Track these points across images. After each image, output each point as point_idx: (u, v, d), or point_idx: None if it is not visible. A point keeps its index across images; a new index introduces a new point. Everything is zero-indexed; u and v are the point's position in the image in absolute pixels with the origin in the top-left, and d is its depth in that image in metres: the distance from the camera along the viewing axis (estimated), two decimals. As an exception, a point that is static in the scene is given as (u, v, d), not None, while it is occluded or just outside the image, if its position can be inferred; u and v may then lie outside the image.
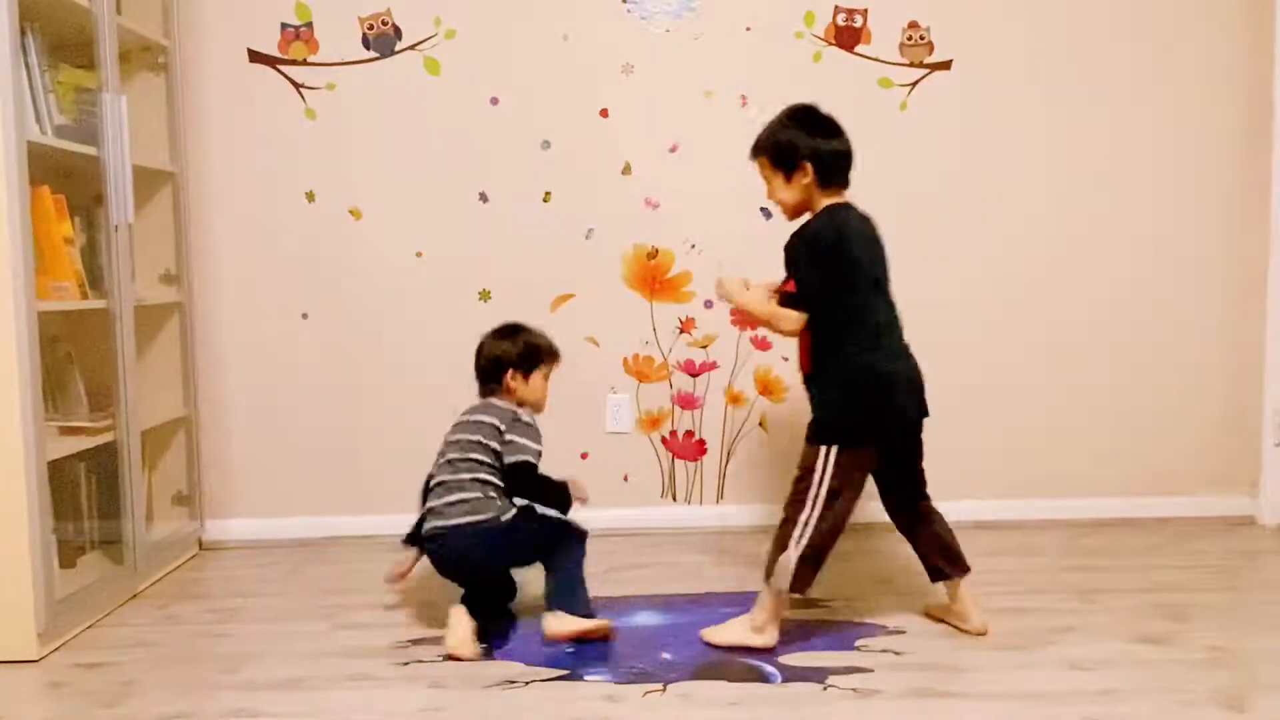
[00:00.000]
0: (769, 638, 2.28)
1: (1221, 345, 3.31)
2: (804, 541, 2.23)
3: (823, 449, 2.25)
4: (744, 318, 2.32)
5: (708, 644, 2.30)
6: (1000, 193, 3.25)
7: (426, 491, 2.51)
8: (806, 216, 2.33)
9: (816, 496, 2.24)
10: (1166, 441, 3.31)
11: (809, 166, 2.27)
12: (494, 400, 2.54)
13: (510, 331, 2.60)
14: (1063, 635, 2.33)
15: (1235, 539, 3.10)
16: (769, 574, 2.27)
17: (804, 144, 2.27)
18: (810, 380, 2.34)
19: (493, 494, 2.41)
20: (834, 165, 2.29)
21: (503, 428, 2.45)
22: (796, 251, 2.28)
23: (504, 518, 2.38)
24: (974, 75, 3.21)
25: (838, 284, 2.25)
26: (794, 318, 2.27)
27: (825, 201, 2.30)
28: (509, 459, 2.42)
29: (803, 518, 2.24)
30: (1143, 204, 3.27)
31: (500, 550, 2.40)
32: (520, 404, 2.54)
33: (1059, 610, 2.49)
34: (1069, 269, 3.27)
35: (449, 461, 2.46)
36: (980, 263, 3.25)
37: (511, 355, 2.55)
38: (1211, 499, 3.32)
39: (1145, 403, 3.30)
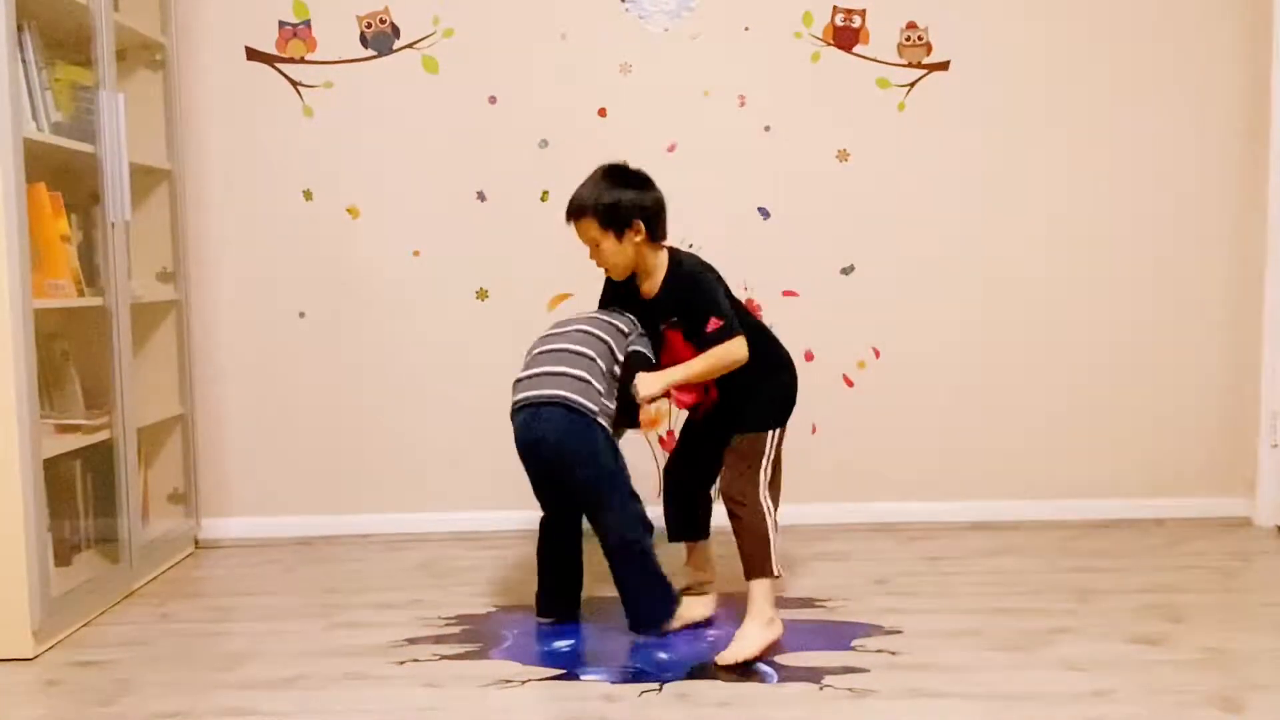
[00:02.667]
0: (778, 625, 2.30)
1: (1218, 347, 3.31)
2: (771, 522, 2.30)
3: (769, 434, 2.35)
4: (690, 393, 2.40)
5: (732, 665, 2.18)
6: (997, 193, 3.25)
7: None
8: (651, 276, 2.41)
9: (767, 479, 2.33)
10: (1163, 443, 3.31)
11: (640, 224, 2.31)
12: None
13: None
14: (1059, 636, 2.34)
15: (1231, 540, 3.11)
16: (753, 570, 2.29)
17: (632, 201, 2.31)
18: (743, 380, 2.35)
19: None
20: (660, 218, 2.36)
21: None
22: (697, 290, 2.34)
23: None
24: (972, 76, 3.21)
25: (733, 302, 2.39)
26: (739, 342, 2.31)
27: (658, 253, 2.38)
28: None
29: (764, 503, 2.31)
30: (1140, 206, 3.27)
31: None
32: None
33: (1055, 611, 2.50)
34: (1066, 270, 3.27)
35: None
36: (976, 263, 3.25)
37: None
38: (1208, 500, 3.32)
39: (1142, 404, 3.30)
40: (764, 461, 2.34)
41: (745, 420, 2.37)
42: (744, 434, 2.35)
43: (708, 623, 2.44)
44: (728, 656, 2.21)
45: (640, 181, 2.36)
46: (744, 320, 2.39)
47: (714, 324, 2.30)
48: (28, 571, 2.25)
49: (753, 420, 2.36)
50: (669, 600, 2.41)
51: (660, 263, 2.39)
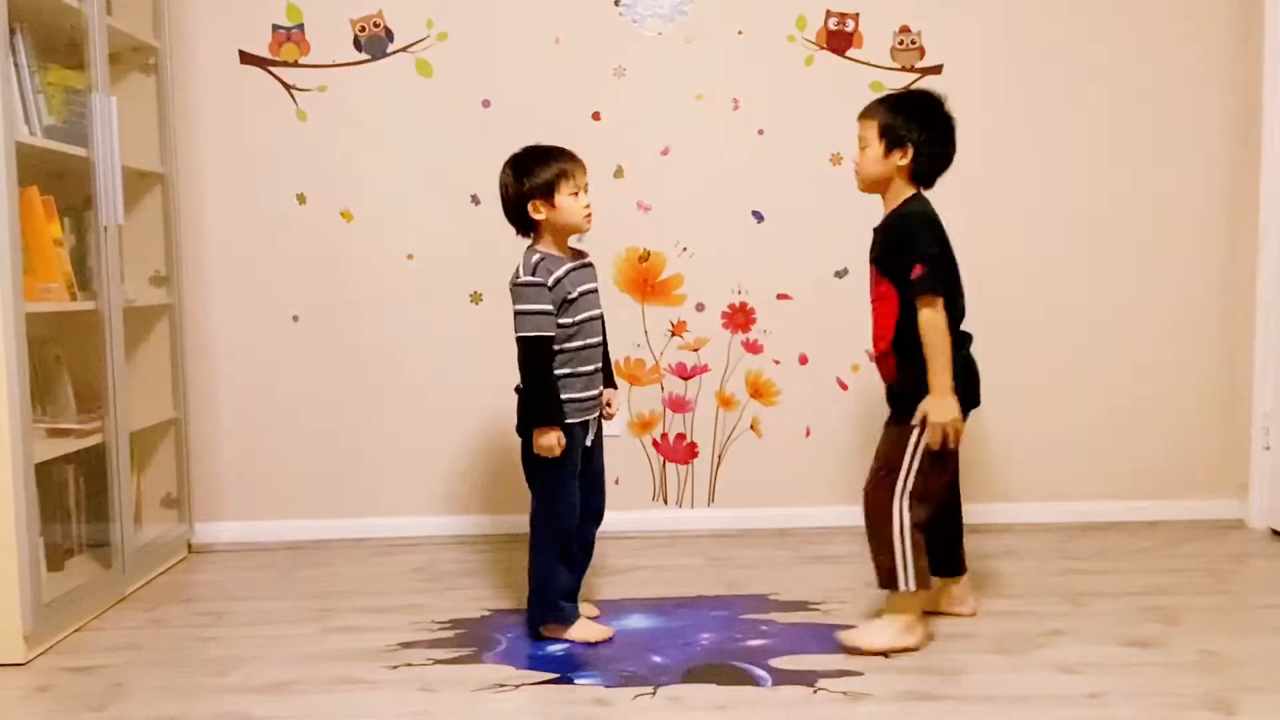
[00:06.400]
0: (920, 635, 2.25)
1: (1210, 349, 3.32)
2: (903, 532, 2.21)
3: (915, 429, 2.21)
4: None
5: (854, 650, 2.22)
6: (990, 195, 3.25)
7: None
8: (888, 204, 2.33)
9: (907, 485, 2.22)
10: (1156, 445, 3.32)
11: (910, 151, 2.25)
12: (524, 253, 2.29)
13: (515, 161, 2.29)
14: (1052, 638, 2.34)
15: (1224, 542, 3.11)
16: (879, 580, 2.24)
17: (918, 131, 2.24)
18: (901, 357, 2.28)
19: None
20: (931, 164, 2.28)
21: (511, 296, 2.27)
22: (910, 230, 2.24)
23: None
24: (965, 79, 3.21)
25: (946, 266, 2.26)
26: (939, 317, 2.20)
27: (907, 191, 2.29)
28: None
29: (898, 511, 2.22)
30: (1132, 207, 3.27)
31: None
32: (558, 231, 2.30)
33: (1049, 613, 2.50)
34: (1058, 272, 3.28)
35: None
36: (970, 265, 3.23)
37: (518, 187, 2.26)
38: (1201, 502, 3.33)
39: (1134, 406, 3.31)
40: (905, 465, 2.22)
41: (896, 407, 2.27)
42: (890, 424, 2.27)
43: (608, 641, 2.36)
44: (848, 636, 2.26)
45: (941, 126, 2.28)
46: (942, 276, 2.23)
47: (918, 270, 2.20)
48: (19, 576, 2.25)
49: (902, 408, 2.25)
50: (542, 610, 2.37)
51: (899, 200, 2.30)
